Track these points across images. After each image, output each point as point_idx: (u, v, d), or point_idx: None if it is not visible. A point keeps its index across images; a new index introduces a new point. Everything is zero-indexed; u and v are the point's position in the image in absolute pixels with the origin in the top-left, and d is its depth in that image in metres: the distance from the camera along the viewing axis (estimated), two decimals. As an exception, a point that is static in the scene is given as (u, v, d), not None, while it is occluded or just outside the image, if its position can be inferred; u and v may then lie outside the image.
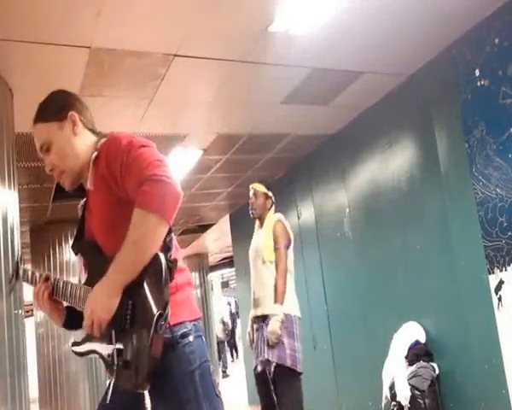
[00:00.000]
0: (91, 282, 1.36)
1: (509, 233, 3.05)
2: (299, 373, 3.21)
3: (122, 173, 1.30)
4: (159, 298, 1.24)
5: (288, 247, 3.42)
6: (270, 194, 3.57)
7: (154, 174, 1.24)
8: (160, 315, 1.22)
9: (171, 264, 1.29)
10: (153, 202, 1.23)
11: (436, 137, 3.64)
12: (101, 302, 1.26)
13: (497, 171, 3.14)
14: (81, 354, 1.44)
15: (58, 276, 1.54)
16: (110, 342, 1.29)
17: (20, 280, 1.63)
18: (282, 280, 3.29)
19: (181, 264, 1.39)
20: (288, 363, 3.14)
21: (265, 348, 3.22)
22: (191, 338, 1.32)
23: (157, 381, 1.28)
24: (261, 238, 3.48)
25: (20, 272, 1.62)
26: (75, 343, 1.46)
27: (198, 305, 9.34)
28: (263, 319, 3.35)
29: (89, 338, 1.37)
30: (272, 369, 3.16)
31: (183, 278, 1.38)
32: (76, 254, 1.53)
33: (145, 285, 1.26)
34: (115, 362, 1.27)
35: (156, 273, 1.25)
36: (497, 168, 3.14)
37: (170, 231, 1.33)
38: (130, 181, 1.29)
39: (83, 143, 1.49)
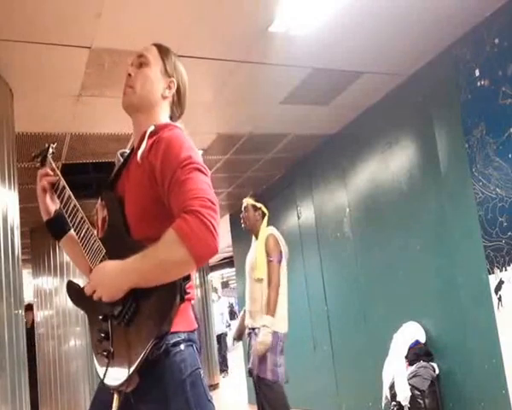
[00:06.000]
0: (106, 244, 1.35)
1: (509, 233, 3.05)
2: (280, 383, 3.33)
3: (170, 185, 1.25)
4: (160, 323, 1.22)
5: (280, 261, 3.46)
6: (258, 206, 3.63)
7: (203, 215, 1.16)
8: (155, 344, 1.20)
9: (184, 294, 1.27)
10: (192, 240, 1.16)
11: (436, 137, 3.63)
12: (109, 286, 1.25)
13: (497, 171, 3.14)
14: (72, 298, 1.42)
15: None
16: (104, 319, 1.29)
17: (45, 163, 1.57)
18: (273, 293, 3.36)
19: (190, 284, 1.35)
20: (269, 376, 3.27)
21: (251, 358, 3.37)
22: (182, 347, 1.30)
23: (147, 389, 1.27)
24: (254, 254, 3.54)
25: (49, 156, 1.57)
26: (72, 286, 1.44)
27: (198, 305, 9.33)
28: (253, 329, 3.45)
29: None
30: (255, 378, 3.32)
31: (186, 295, 1.34)
32: (101, 200, 1.46)
33: (155, 299, 1.23)
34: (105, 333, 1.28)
35: (167, 300, 1.22)
36: (497, 168, 3.14)
37: None
38: (175, 198, 1.24)
39: (160, 105, 1.49)
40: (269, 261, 3.42)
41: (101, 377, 1.30)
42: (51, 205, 1.56)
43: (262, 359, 3.26)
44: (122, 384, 1.24)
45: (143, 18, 2.70)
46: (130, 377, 1.22)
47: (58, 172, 1.54)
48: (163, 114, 1.49)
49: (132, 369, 1.21)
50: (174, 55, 1.56)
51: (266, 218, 3.64)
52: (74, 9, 2.54)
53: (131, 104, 1.48)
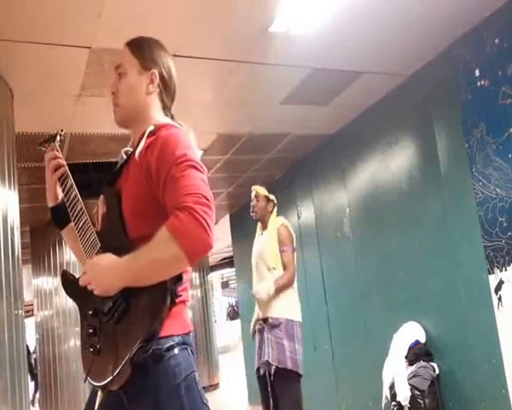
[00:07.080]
0: (101, 239, 1.34)
1: (509, 233, 3.05)
2: (300, 375, 3.24)
3: (165, 183, 1.25)
4: (148, 325, 1.20)
5: (293, 251, 3.49)
6: (271, 197, 3.63)
7: (196, 211, 1.16)
8: (141, 346, 1.19)
9: (176, 297, 1.27)
10: (184, 237, 1.16)
11: (436, 137, 3.64)
12: (103, 280, 1.24)
13: (497, 171, 3.14)
14: (66, 289, 1.42)
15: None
16: (95, 314, 1.29)
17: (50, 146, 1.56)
18: (284, 281, 3.35)
19: (184, 285, 1.35)
20: (289, 366, 3.18)
21: (266, 350, 3.25)
22: (176, 351, 1.28)
23: (141, 393, 1.26)
24: (265, 243, 3.51)
25: (56, 143, 1.57)
26: (66, 275, 1.44)
27: (198, 305, 9.30)
28: (264, 321, 3.38)
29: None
30: (272, 371, 3.19)
31: (179, 298, 1.33)
32: (101, 195, 1.47)
33: (145, 300, 1.22)
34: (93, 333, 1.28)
35: (157, 303, 1.22)
36: (497, 168, 3.14)
37: None
38: (169, 196, 1.23)
39: (148, 103, 1.47)
40: (282, 251, 3.42)
41: (85, 372, 1.29)
42: (60, 192, 1.55)
43: (279, 347, 3.21)
44: (106, 383, 1.23)
45: (143, 18, 2.70)
46: (114, 377, 1.21)
47: (63, 161, 1.54)
48: (155, 111, 1.48)
49: (117, 369, 1.20)
50: (150, 44, 1.52)
51: (276, 209, 3.64)
52: (74, 9, 2.54)
53: (122, 121, 1.49)
